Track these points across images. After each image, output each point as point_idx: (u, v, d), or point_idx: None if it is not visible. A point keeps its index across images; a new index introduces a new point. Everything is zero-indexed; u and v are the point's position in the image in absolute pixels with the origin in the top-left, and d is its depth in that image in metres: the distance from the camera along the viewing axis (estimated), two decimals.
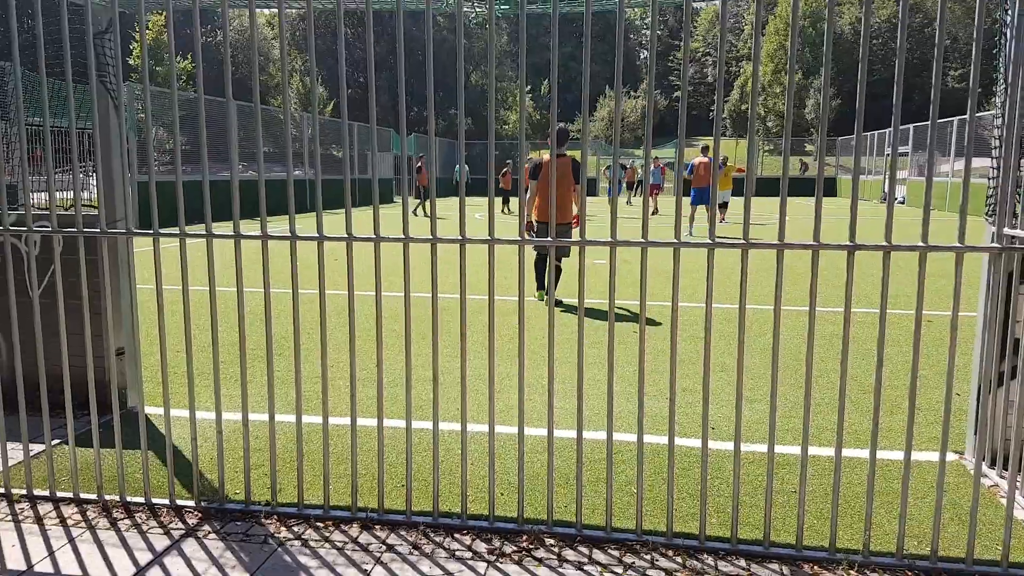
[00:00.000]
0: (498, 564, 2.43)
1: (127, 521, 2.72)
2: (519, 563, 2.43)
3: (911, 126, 25.64)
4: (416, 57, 52.73)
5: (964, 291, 6.69)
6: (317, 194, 2.56)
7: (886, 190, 27.51)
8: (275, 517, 2.74)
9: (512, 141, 39.51)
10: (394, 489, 3.00)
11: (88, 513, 2.78)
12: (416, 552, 2.50)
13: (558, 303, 7.24)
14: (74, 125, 2.69)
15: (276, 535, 2.62)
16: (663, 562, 2.44)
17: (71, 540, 2.58)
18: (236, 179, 2.62)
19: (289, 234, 2.61)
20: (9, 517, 2.75)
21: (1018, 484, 2.89)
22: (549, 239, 2.50)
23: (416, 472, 3.15)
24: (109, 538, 2.59)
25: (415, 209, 20.68)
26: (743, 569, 2.40)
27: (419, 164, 23.03)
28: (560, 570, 2.39)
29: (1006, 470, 3.05)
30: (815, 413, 3.95)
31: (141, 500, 2.85)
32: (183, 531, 2.65)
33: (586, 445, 3.42)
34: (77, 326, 3.64)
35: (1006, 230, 2.92)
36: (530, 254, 8.29)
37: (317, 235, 2.59)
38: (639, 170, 28.51)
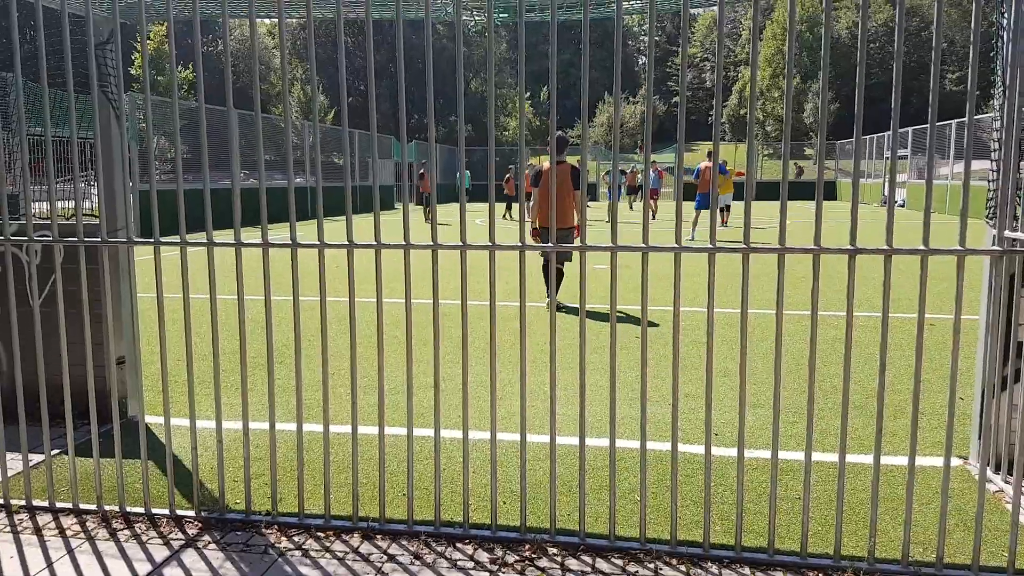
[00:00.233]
0: (501, 574, 2.41)
1: (126, 532, 2.70)
2: (522, 573, 2.41)
3: (910, 129, 25.68)
4: (416, 65, 52.90)
5: (966, 294, 6.67)
6: (318, 201, 2.56)
7: (886, 193, 27.50)
8: (276, 527, 2.72)
9: (512, 147, 39.57)
10: (396, 498, 2.98)
11: (87, 524, 2.77)
12: (418, 562, 2.48)
13: (560, 307, 7.31)
14: (75, 135, 2.69)
15: (276, 545, 2.60)
16: (667, 571, 2.42)
17: (70, 551, 2.56)
18: (237, 187, 2.62)
19: (290, 241, 2.60)
20: (8, 528, 2.74)
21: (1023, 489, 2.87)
22: (550, 245, 2.50)
23: (418, 480, 3.14)
24: (108, 549, 2.58)
25: (425, 214, 20.62)
26: None
27: (421, 171, 23.05)
28: None
29: (1011, 475, 3.03)
30: (818, 418, 3.93)
31: (141, 510, 2.84)
32: (183, 541, 2.63)
33: (589, 452, 3.40)
34: (77, 335, 3.63)
35: (1007, 233, 2.91)
36: (535, 261, 8.32)
37: (318, 242, 2.59)
38: (640, 174, 28.54)
